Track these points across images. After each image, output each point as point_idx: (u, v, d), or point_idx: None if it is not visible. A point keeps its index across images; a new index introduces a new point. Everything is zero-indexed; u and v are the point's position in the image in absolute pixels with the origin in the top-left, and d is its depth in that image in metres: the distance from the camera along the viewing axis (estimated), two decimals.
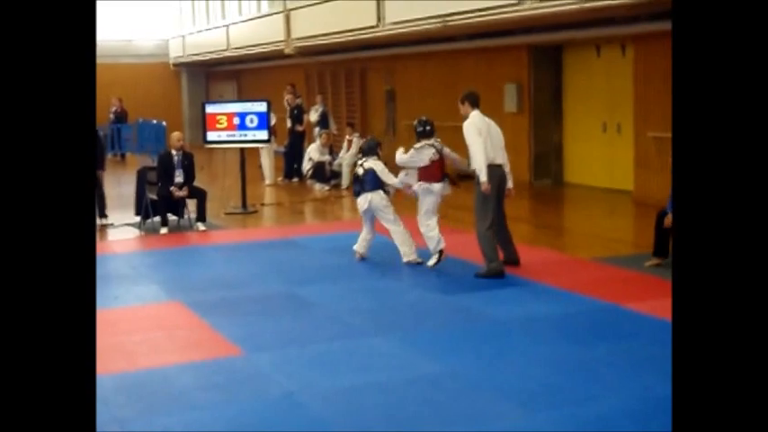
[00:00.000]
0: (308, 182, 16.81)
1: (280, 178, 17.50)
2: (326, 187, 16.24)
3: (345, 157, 16.45)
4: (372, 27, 16.31)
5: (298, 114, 17.86)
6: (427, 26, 14.64)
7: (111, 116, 24.05)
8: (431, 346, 6.44)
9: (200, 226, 11.87)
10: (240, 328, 7.13)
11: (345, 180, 15.98)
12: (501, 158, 8.68)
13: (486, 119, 8.76)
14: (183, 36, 27.71)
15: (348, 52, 19.93)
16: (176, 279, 8.89)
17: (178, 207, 12.24)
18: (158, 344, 6.79)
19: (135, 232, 12.03)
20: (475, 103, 8.79)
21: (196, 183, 12.23)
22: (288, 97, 18.02)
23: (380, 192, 9.33)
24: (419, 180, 9.13)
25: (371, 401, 5.33)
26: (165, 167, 12.04)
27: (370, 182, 9.30)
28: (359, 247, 9.53)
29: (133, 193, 12.71)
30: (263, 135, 13.67)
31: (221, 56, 24.96)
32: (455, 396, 5.39)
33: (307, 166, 16.99)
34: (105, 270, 9.69)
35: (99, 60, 26.52)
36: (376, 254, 9.70)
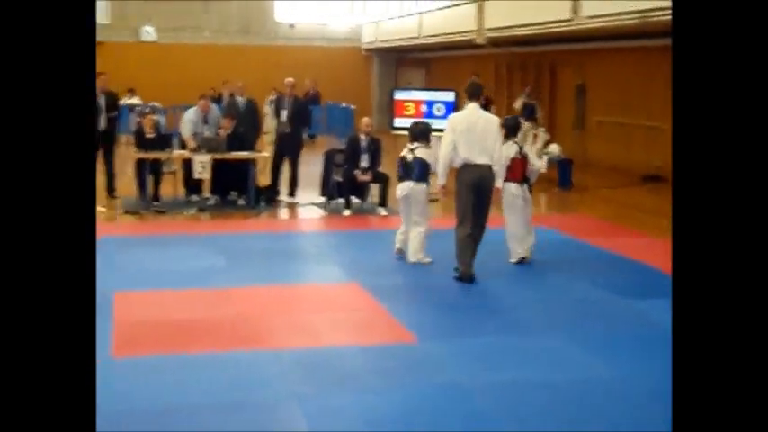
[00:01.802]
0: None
1: None
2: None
3: (531, 150, 16.24)
4: (567, 20, 16.00)
5: (485, 106, 17.74)
6: (624, 21, 14.23)
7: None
8: (599, 347, 6.30)
9: (382, 211, 12.05)
10: (414, 314, 7.21)
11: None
12: (483, 158, 8.02)
13: (479, 113, 8.24)
14: (377, 22, 28.15)
15: (539, 45, 19.66)
16: (356, 261, 9.07)
17: (362, 190, 12.49)
18: (336, 324, 6.95)
19: (320, 212, 12.36)
20: (473, 96, 8.37)
21: (381, 168, 12.41)
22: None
23: (425, 185, 8.99)
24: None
25: (534, 398, 5.28)
26: (352, 151, 12.29)
27: (418, 171, 8.93)
28: (398, 241, 9.14)
29: (320, 174, 13.05)
30: (496, 121, 13.68)
31: (412, 43, 25.20)
32: (621, 402, 5.26)
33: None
34: (290, 247, 10.02)
35: (295, 42, 27.36)
36: (556, 249, 9.55)
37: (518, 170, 8.88)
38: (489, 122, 8.26)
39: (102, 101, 13.00)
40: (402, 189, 8.99)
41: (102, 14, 26.04)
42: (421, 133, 9.08)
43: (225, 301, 7.46)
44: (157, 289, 7.79)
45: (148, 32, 26.43)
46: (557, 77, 20.76)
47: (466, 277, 8.07)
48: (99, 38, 25.33)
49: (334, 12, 28.79)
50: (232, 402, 5.17)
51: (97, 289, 7.71)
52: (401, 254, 9.04)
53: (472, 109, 8.24)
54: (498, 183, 8.27)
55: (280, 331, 6.71)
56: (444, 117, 13.46)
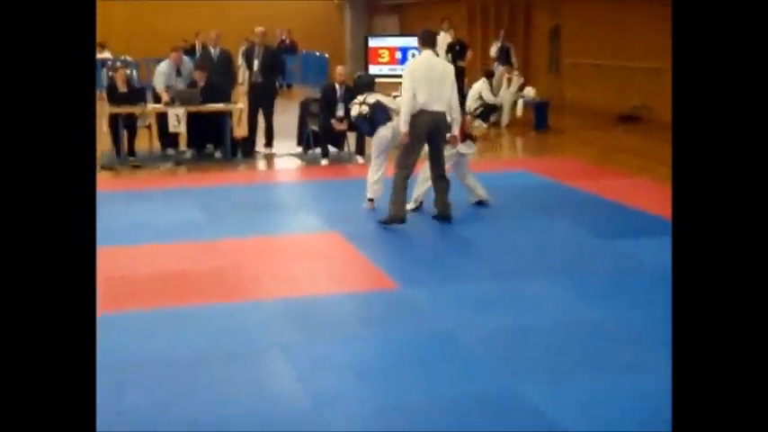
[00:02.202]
0: (470, 119, 16.67)
1: None
2: (485, 125, 16.09)
3: (506, 95, 16.22)
4: None
5: (460, 50, 17.66)
6: None
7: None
8: (591, 291, 6.34)
9: (359, 159, 12.01)
10: (396, 262, 7.24)
11: (506, 118, 15.79)
12: (439, 104, 8.00)
13: (436, 60, 8.28)
14: None
15: None
16: (335, 210, 9.05)
17: (339, 139, 12.44)
18: (318, 273, 6.97)
19: (297, 162, 12.31)
20: (426, 42, 8.26)
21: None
22: (451, 32, 17.82)
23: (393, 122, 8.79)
24: None
25: (528, 343, 5.33)
26: (328, 100, 12.21)
27: (382, 115, 8.81)
28: (374, 191, 8.89)
29: (296, 124, 12.98)
30: (451, 69, 13.62)
31: None
32: (615, 344, 5.31)
33: (473, 104, 16.75)
34: (269, 198, 10.00)
35: None
36: (533, 193, 9.59)
37: None
38: (446, 69, 8.26)
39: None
40: (383, 134, 8.84)
41: None
42: (366, 85, 9.05)
43: (205, 253, 7.45)
44: (137, 244, 7.77)
45: None
46: (531, 20, 20.65)
47: (396, 219, 8.06)
48: None
49: None
50: (218, 353, 5.19)
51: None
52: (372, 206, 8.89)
53: (428, 56, 8.17)
54: (455, 129, 8.27)
55: (261, 282, 6.72)
56: None
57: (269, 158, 12.70)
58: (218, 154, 12.54)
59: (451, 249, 7.65)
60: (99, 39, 22.95)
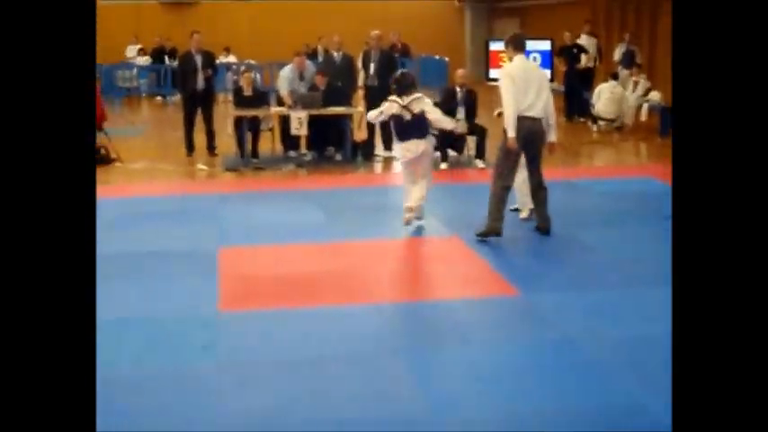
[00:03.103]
0: (589, 122, 16.38)
1: (561, 118, 17.20)
2: (600, 126, 15.74)
3: (631, 98, 15.85)
4: None
5: (577, 52, 17.36)
6: None
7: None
8: None
9: (479, 163, 11.94)
10: (517, 268, 7.16)
11: (629, 120, 15.47)
12: (538, 110, 7.76)
13: (531, 65, 7.99)
14: None
15: None
16: (455, 214, 9.01)
17: (458, 143, 12.39)
18: (438, 277, 6.95)
19: None
20: (519, 47, 7.97)
21: (477, 120, 12.28)
22: (567, 34, 17.54)
23: (431, 137, 8.47)
24: None
25: (653, 354, 5.15)
26: (448, 103, 12.17)
27: (421, 126, 8.27)
28: (414, 206, 8.29)
29: None
30: (546, 74, 13.44)
31: None
32: None
33: (602, 108, 16.35)
34: (389, 201, 10.03)
35: None
36: (657, 201, 9.33)
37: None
38: (542, 75, 8.09)
39: (198, 60, 13.17)
40: (412, 149, 8.26)
41: None
42: (408, 85, 8.37)
43: (326, 255, 7.52)
44: (260, 244, 7.90)
45: None
46: (657, 22, 20.12)
47: (493, 232, 7.78)
48: None
49: None
50: (337, 356, 5.21)
51: (201, 245, 7.90)
52: (413, 220, 8.34)
53: (524, 61, 8.01)
54: (553, 136, 8.06)
55: (382, 285, 6.74)
56: (542, 66, 13.24)
57: (388, 161, 12.74)
58: (338, 156, 12.67)
59: (573, 256, 7.50)
60: (224, 43, 23.59)
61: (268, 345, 5.44)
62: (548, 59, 13.13)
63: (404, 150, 8.35)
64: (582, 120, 16.78)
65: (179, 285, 6.69)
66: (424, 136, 8.31)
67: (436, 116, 8.42)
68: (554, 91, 17.67)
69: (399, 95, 8.32)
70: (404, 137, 8.32)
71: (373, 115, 8.70)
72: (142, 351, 5.34)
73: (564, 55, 17.16)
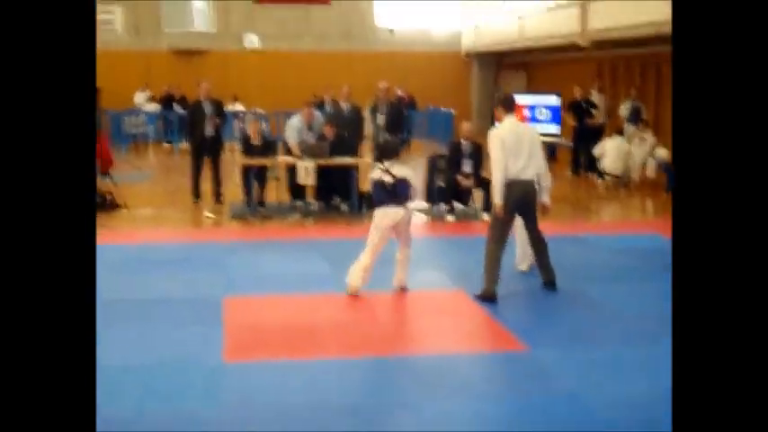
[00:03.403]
0: (596, 177, 16.42)
1: (568, 172, 17.27)
2: (607, 181, 15.79)
3: (637, 154, 15.91)
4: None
5: (587, 107, 17.48)
6: None
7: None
8: None
9: (486, 216, 11.94)
10: (524, 322, 7.12)
11: (636, 176, 15.53)
12: (530, 173, 7.58)
13: (522, 126, 7.86)
14: (476, 26, 28.03)
15: (644, 45, 19.22)
16: (460, 267, 8.99)
17: (465, 196, 12.42)
18: (444, 331, 6.90)
19: (423, 218, 12.32)
20: (509, 108, 7.77)
21: (483, 173, 12.31)
22: (578, 90, 17.68)
23: (410, 206, 8.00)
24: None
25: (661, 411, 5.10)
26: (454, 156, 12.23)
27: (403, 192, 7.83)
28: (359, 278, 7.79)
29: (423, 179, 13.02)
30: (554, 129, 13.51)
31: (512, 47, 24.98)
32: None
33: (610, 164, 16.33)
34: (395, 253, 10.00)
35: (395, 48, 27.42)
36: (664, 257, 9.30)
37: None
38: (535, 135, 7.87)
39: (207, 107, 13.27)
40: (388, 215, 7.78)
41: (208, 23, 26.63)
42: (392, 150, 8.08)
43: (331, 306, 7.49)
44: (265, 293, 7.88)
45: (252, 40, 26.86)
46: (662, 78, 20.27)
47: (488, 296, 7.59)
48: (204, 46, 25.96)
49: (433, 17, 28.77)
50: (341, 407, 5.17)
51: (206, 292, 7.87)
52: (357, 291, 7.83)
53: (514, 122, 7.75)
54: (546, 197, 7.85)
55: (386, 337, 6.71)
56: (549, 122, 13.31)
57: None
58: (344, 207, 12.69)
59: (580, 311, 7.46)
60: (233, 91, 23.78)
61: (271, 395, 5.40)
62: (556, 114, 13.18)
63: (382, 216, 7.85)
64: (588, 175, 16.83)
65: (184, 333, 6.66)
66: (403, 203, 7.86)
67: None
68: (561, 146, 17.85)
69: (380, 160, 8.04)
70: (385, 202, 7.85)
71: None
72: (145, 397, 5.30)
73: (574, 110, 17.25)
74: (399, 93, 24.81)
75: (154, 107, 23.83)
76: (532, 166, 7.62)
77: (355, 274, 7.78)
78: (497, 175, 7.48)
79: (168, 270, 8.75)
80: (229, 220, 11.97)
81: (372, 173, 8.15)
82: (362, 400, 5.34)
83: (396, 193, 7.79)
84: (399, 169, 7.84)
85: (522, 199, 7.65)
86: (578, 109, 17.34)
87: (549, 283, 8.01)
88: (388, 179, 7.79)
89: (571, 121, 17.22)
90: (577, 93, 17.56)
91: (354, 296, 7.72)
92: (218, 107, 13.62)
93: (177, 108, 22.71)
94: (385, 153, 8.10)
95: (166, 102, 23.50)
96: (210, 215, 12.26)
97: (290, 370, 5.87)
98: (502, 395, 5.46)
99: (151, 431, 4.82)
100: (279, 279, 8.41)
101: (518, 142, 7.56)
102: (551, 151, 18.97)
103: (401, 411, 5.15)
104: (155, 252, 9.76)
